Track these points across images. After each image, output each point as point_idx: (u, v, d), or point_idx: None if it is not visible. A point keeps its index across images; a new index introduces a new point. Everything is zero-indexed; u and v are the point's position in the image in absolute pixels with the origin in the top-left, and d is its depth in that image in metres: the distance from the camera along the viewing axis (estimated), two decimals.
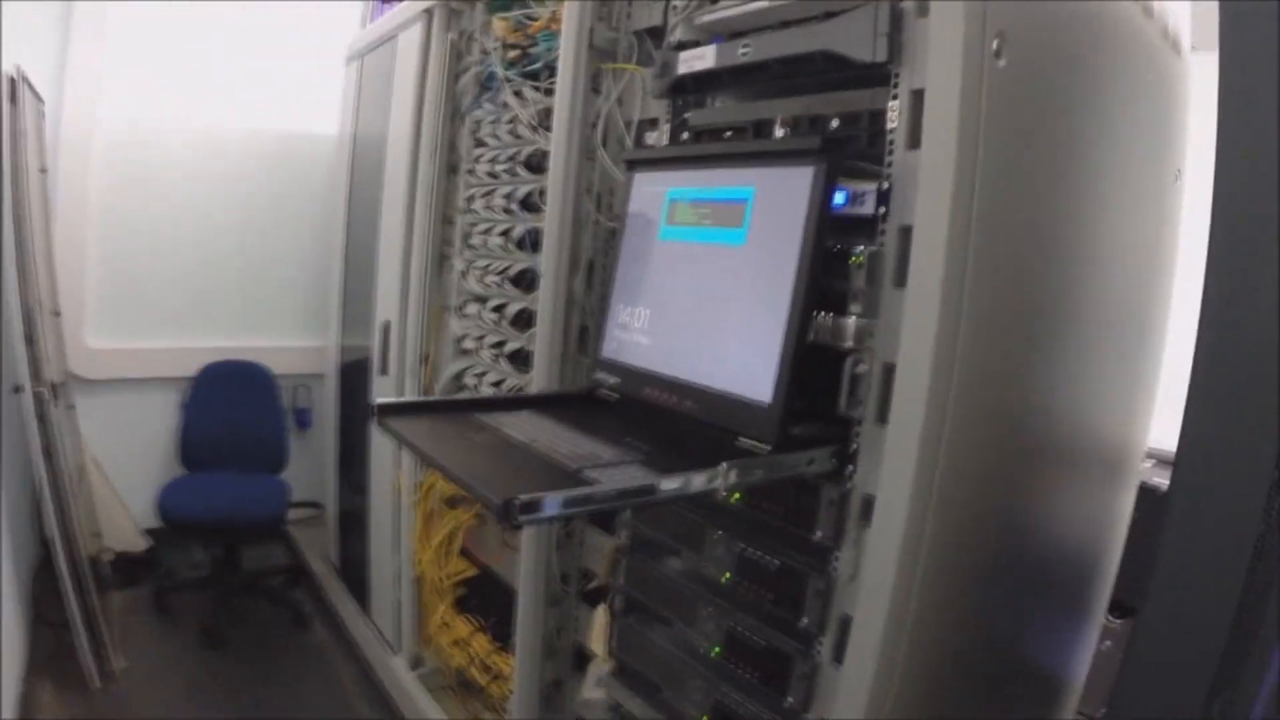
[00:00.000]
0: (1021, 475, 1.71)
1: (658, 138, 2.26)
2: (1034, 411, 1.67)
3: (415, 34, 3.17)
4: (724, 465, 1.36)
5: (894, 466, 1.39)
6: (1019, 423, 1.63)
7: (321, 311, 4.44)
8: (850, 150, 1.47)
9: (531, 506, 1.19)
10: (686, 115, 2.19)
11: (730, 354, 1.56)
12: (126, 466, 4.49)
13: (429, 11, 3.12)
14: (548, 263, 2.38)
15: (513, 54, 2.76)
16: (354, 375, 3.89)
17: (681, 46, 2.06)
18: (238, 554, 4.28)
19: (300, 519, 4.64)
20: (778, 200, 1.48)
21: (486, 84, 2.95)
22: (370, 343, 3.48)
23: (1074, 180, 1.60)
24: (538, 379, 2.42)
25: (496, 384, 2.80)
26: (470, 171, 3.00)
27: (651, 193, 1.99)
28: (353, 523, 3.95)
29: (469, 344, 2.97)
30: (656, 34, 2.20)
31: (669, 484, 1.33)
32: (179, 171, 4.47)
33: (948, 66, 1.23)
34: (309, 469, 4.66)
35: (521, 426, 1.65)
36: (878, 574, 1.43)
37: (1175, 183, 2.29)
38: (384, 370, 3.31)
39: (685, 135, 2.16)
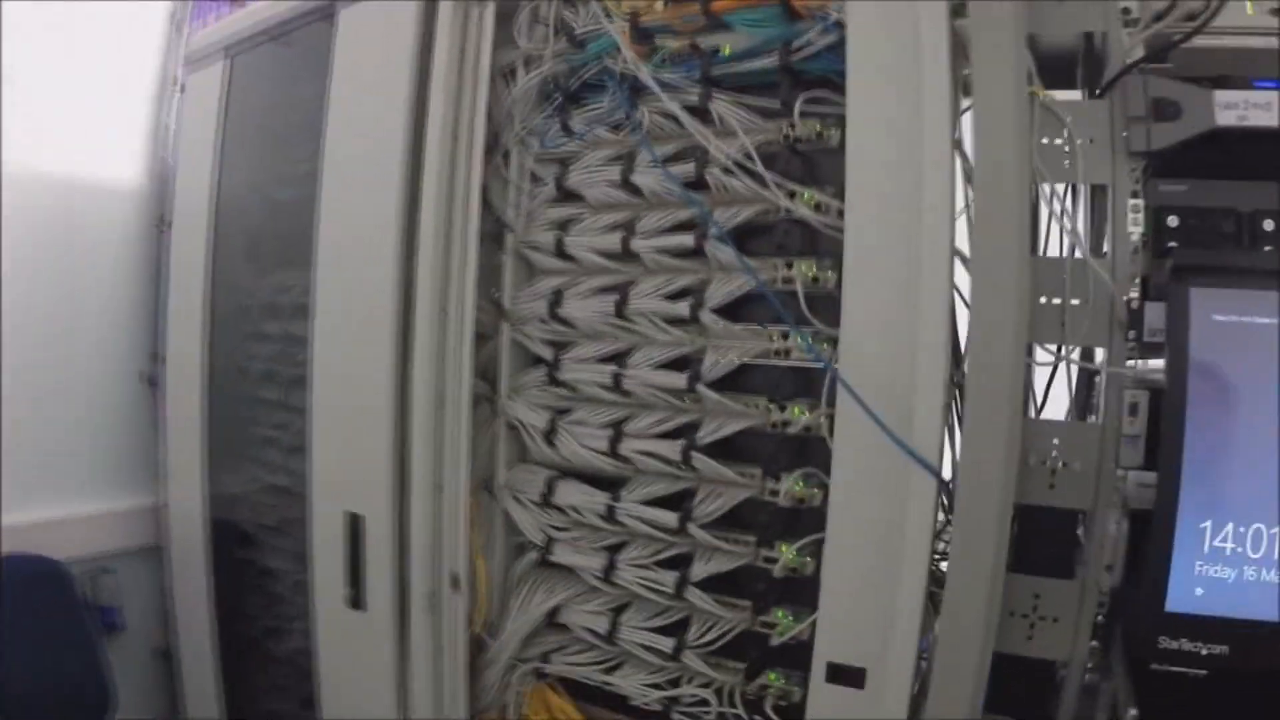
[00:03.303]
0: None
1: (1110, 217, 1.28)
2: None
3: (401, 10, 1.76)
4: None
5: None
6: None
7: (128, 454, 2.57)
8: None
9: None
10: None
11: None
12: None
13: None
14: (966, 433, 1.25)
15: (675, 43, 1.55)
16: (234, 546, 2.30)
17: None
18: None
19: None
20: None
21: (576, 93, 1.68)
22: (303, 533, 1.95)
23: None
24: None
25: (668, 628, 1.54)
26: (557, 251, 1.69)
27: (1246, 328, 1.18)
28: None
29: (567, 556, 1.65)
30: None
31: None
32: None
33: None
34: (132, 691, 2.71)
35: None
36: None
37: None
38: (357, 601, 1.81)
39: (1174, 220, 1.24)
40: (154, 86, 2.50)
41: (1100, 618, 1.30)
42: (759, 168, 1.45)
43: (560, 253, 1.67)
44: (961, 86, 1.32)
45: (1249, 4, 1.31)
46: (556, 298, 1.66)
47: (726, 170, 1.47)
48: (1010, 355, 1.23)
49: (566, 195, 1.69)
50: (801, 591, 1.44)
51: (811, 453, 1.45)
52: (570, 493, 1.64)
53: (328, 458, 1.89)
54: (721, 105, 1.49)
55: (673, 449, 1.51)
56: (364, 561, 1.81)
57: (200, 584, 2.34)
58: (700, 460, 1.49)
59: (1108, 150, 1.31)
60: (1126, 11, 1.32)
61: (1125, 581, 1.26)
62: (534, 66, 1.71)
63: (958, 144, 1.29)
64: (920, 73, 1.29)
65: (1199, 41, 1.28)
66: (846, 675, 1.35)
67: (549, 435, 1.66)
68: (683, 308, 1.51)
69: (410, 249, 1.75)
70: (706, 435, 1.50)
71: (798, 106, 1.43)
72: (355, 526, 1.83)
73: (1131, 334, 1.29)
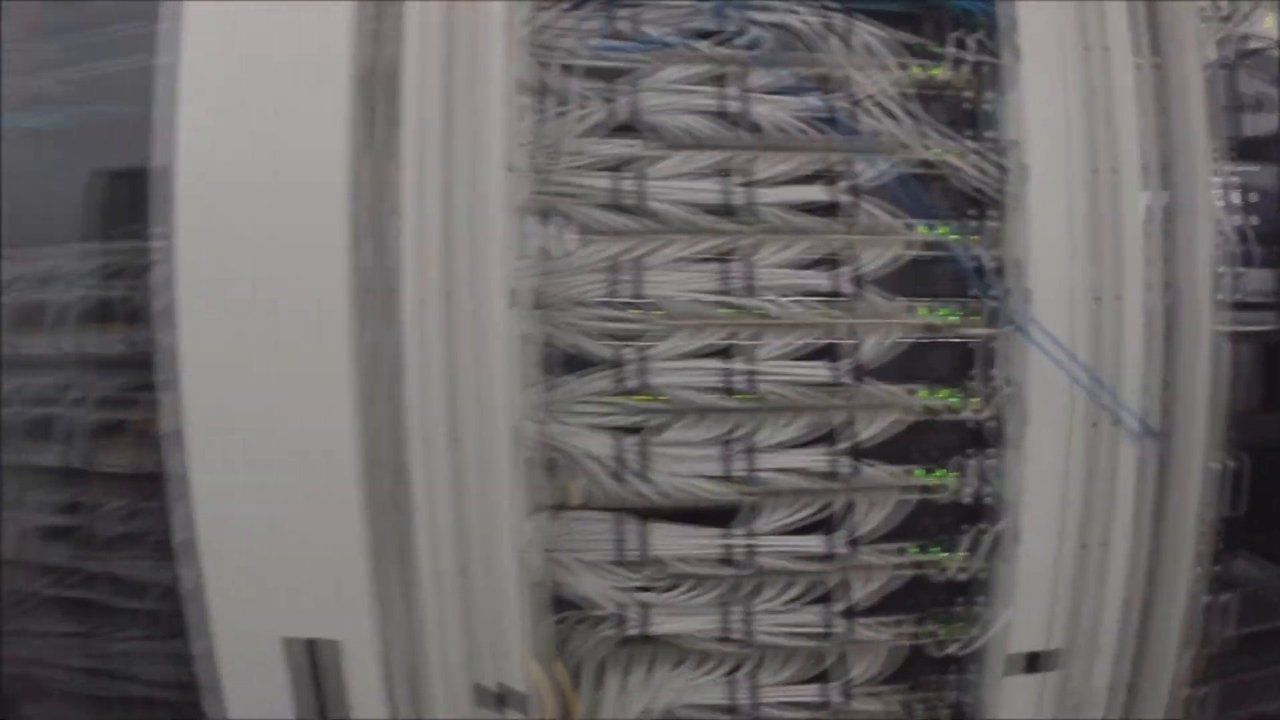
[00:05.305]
0: None
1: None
2: None
3: None
4: None
5: None
6: None
7: None
8: None
9: None
10: None
11: None
12: None
13: None
14: None
15: None
16: None
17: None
18: None
19: None
20: None
21: None
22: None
23: None
24: None
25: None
26: (615, 203, 1.17)
27: None
28: None
29: (669, 622, 1.20)
30: None
31: None
32: None
33: None
34: None
35: None
36: None
37: None
38: None
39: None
40: None
41: None
42: (917, 110, 1.21)
43: (620, 205, 1.18)
44: None
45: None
46: (630, 271, 1.18)
47: (881, 110, 1.19)
48: (1210, 320, 1.23)
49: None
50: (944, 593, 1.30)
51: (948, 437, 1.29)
52: (669, 538, 1.20)
53: (230, 553, 1.10)
54: (867, 32, 1.20)
55: (823, 459, 1.20)
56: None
57: None
58: (862, 468, 1.21)
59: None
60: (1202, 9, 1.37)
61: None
62: None
63: None
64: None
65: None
66: (1043, 661, 1.26)
67: (621, 464, 1.18)
68: (842, 280, 1.19)
69: (377, 192, 1.09)
70: (865, 437, 1.22)
71: (971, 44, 1.22)
72: (318, 658, 1.11)
73: None
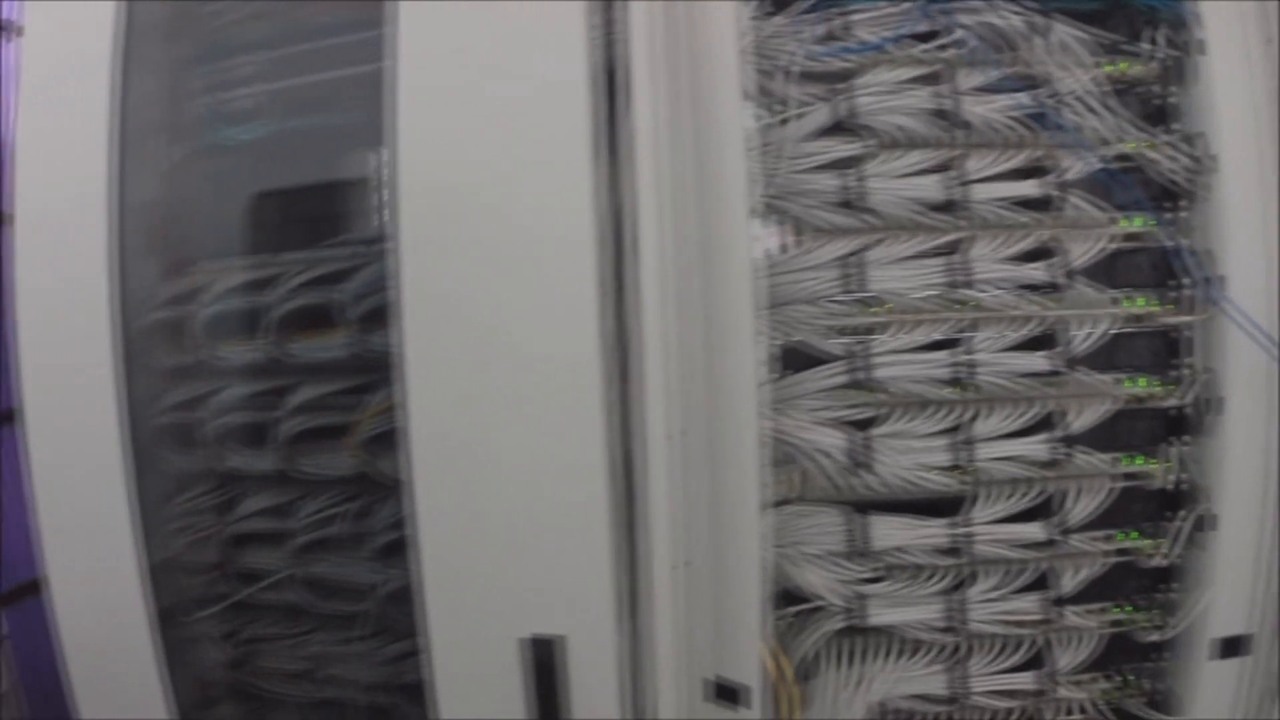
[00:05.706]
0: None
1: None
2: None
3: None
4: None
5: None
6: None
7: None
8: None
9: None
10: None
11: None
12: None
13: None
14: None
15: None
16: None
17: None
18: None
19: None
20: None
21: None
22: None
23: None
24: None
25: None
26: (840, 202, 1.19)
27: None
28: None
29: (889, 613, 1.22)
30: None
31: None
32: None
33: None
34: None
35: None
36: None
37: None
38: None
39: None
40: None
41: None
42: (1115, 105, 1.24)
43: (844, 204, 1.21)
44: None
45: None
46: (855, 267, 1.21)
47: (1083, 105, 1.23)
48: None
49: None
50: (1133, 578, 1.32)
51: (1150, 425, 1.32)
52: (893, 530, 1.22)
53: (456, 553, 1.11)
54: (1066, 32, 1.23)
55: (1042, 448, 1.23)
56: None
57: None
58: (1076, 455, 1.23)
59: None
60: None
61: None
62: None
63: None
64: None
65: None
66: (1242, 645, 1.28)
67: (852, 457, 1.20)
68: (1056, 272, 1.22)
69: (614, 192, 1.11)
70: (1078, 425, 1.24)
71: (1160, 40, 1.25)
72: (549, 656, 1.11)
73: None
